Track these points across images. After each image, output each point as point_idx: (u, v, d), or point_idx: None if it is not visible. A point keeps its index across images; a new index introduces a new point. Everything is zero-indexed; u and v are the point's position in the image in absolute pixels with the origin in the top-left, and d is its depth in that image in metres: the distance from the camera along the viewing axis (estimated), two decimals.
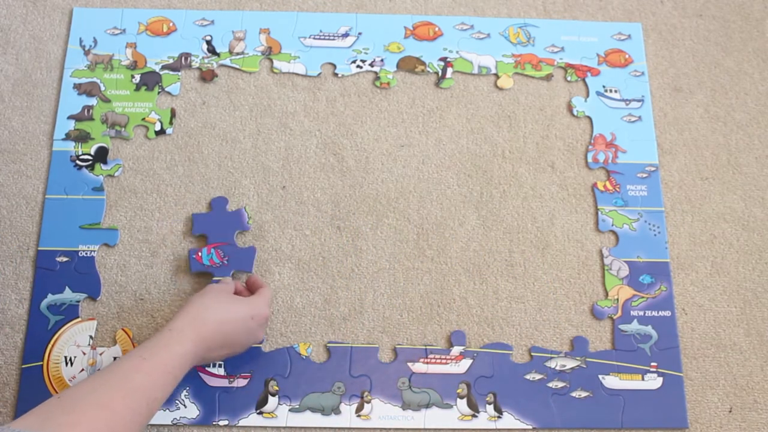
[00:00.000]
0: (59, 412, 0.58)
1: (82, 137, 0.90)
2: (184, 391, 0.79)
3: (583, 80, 0.95)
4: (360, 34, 0.96)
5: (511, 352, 0.82)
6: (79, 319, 0.82)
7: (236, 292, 0.80)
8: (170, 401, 0.79)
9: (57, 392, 0.77)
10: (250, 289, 0.81)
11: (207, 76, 0.93)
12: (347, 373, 0.81)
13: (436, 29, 0.97)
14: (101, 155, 0.89)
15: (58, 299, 0.82)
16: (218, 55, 0.94)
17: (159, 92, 0.92)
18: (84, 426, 0.57)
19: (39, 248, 0.84)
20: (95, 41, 0.94)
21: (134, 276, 0.84)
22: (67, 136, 0.90)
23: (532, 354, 0.82)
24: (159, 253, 0.85)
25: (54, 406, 0.59)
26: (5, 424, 0.54)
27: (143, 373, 0.64)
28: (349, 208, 0.88)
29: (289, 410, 0.79)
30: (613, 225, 0.88)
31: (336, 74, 0.94)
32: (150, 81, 0.93)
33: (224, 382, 0.80)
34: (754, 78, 0.97)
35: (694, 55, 0.98)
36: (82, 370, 0.80)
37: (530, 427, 0.79)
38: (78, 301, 0.82)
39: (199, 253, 0.84)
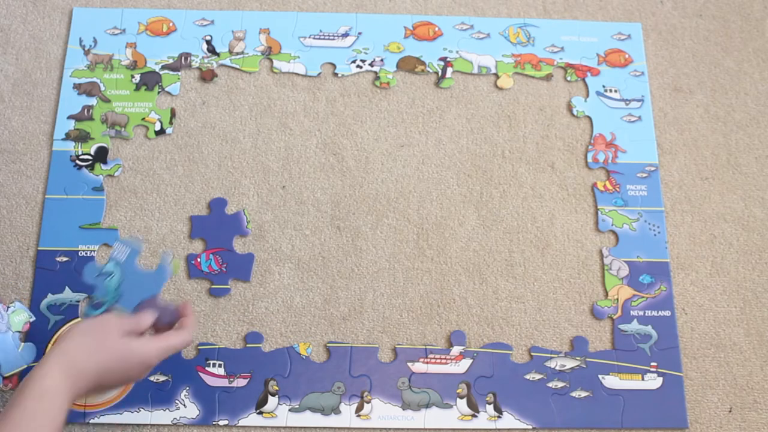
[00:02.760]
0: None
1: (82, 137, 0.90)
2: (184, 390, 0.79)
3: (583, 80, 0.95)
4: (360, 34, 0.96)
5: (511, 352, 0.82)
6: (79, 319, 0.82)
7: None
8: (170, 401, 0.79)
9: None
10: (181, 314, 0.72)
11: (207, 76, 0.93)
12: (347, 373, 0.81)
13: (436, 29, 0.97)
14: (101, 155, 0.89)
15: (58, 299, 0.82)
16: (218, 55, 0.94)
17: (159, 92, 0.92)
18: None
19: (39, 248, 0.84)
20: (95, 41, 0.94)
21: None
22: (67, 136, 0.90)
23: (532, 354, 0.82)
24: (159, 253, 0.85)
25: None
26: None
27: None
28: (349, 208, 0.88)
29: (289, 410, 0.79)
30: (612, 225, 0.88)
31: (336, 74, 0.94)
32: (150, 81, 0.93)
33: (224, 382, 0.80)
34: (754, 78, 0.97)
35: (694, 55, 0.98)
36: None
37: (530, 427, 0.79)
38: (78, 301, 0.82)
39: (198, 260, 0.84)
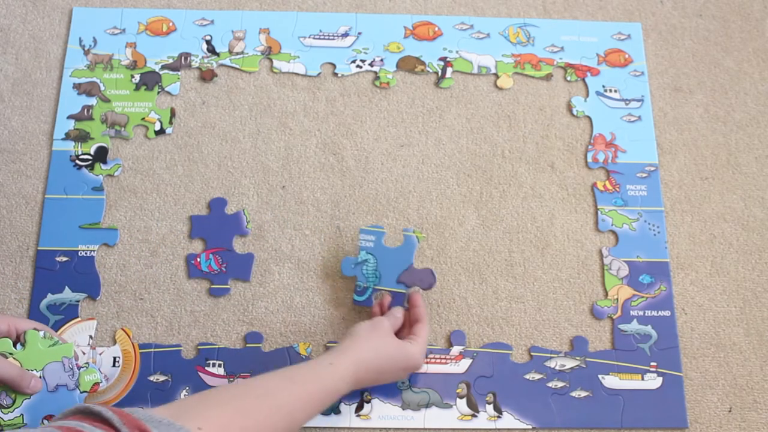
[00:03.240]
0: (198, 406, 0.59)
1: (81, 137, 0.90)
2: (184, 390, 0.79)
3: (583, 80, 0.95)
4: (360, 33, 0.96)
5: (510, 351, 0.82)
6: (79, 319, 0.82)
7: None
8: (170, 401, 0.79)
9: None
10: (411, 313, 0.79)
11: (207, 76, 0.93)
12: None
13: (436, 29, 0.97)
14: (101, 155, 0.89)
15: (57, 299, 0.82)
16: (218, 54, 0.94)
17: (159, 92, 0.92)
18: (217, 424, 0.57)
19: (39, 248, 0.84)
20: (95, 41, 0.94)
21: (134, 276, 0.84)
22: (67, 136, 0.90)
23: (532, 354, 0.82)
24: (159, 253, 0.85)
25: (193, 400, 0.61)
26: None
27: (289, 393, 0.65)
28: (349, 208, 0.88)
29: None
30: (612, 225, 0.88)
31: (336, 74, 0.94)
32: (150, 81, 0.93)
33: (224, 382, 0.80)
34: (754, 78, 0.97)
35: (694, 55, 0.98)
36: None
37: (530, 426, 0.79)
38: (77, 301, 0.82)
39: (198, 259, 0.84)
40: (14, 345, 0.74)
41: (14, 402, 0.72)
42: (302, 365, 0.69)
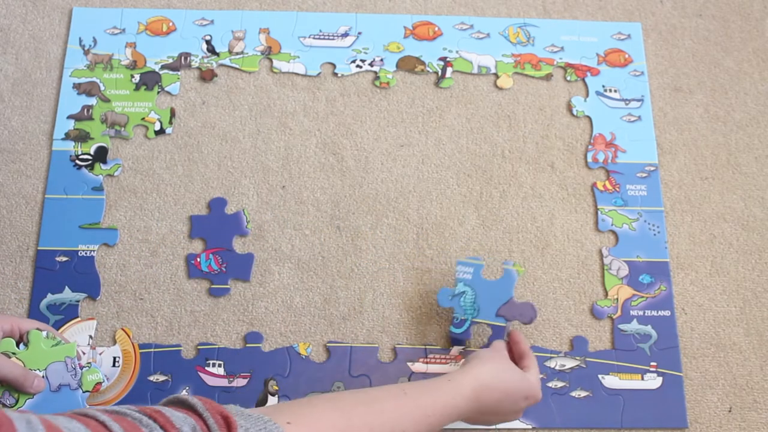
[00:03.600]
0: (293, 404, 0.58)
1: (81, 137, 0.90)
2: (184, 390, 0.79)
3: (583, 80, 0.95)
4: (360, 33, 0.96)
5: None
6: (79, 319, 0.82)
7: None
8: None
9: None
10: (512, 347, 0.77)
11: (207, 76, 0.93)
12: (347, 373, 0.81)
13: (436, 29, 0.97)
14: (101, 155, 0.89)
15: (57, 299, 0.82)
16: (218, 54, 0.94)
17: (159, 92, 0.92)
18: (309, 419, 0.55)
19: (38, 248, 0.84)
20: (95, 41, 0.94)
21: (134, 276, 0.84)
22: (67, 136, 0.90)
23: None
24: (159, 252, 0.85)
25: (293, 402, 0.60)
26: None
27: (397, 403, 0.61)
28: (349, 208, 0.88)
29: None
30: (612, 225, 0.88)
31: (336, 74, 0.94)
32: (150, 81, 0.93)
33: (224, 382, 0.80)
34: (754, 78, 0.97)
35: (694, 55, 0.98)
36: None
37: (530, 426, 0.79)
38: (77, 301, 0.82)
39: (198, 259, 0.84)
40: (17, 345, 0.74)
41: (17, 401, 0.72)
42: (418, 381, 0.65)
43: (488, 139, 0.92)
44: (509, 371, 0.70)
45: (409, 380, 0.80)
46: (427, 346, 0.82)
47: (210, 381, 0.80)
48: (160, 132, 0.91)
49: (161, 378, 0.80)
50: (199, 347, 0.81)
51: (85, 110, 0.91)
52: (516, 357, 0.76)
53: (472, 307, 0.79)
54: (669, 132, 0.93)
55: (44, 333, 0.74)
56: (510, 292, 0.79)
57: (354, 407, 0.58)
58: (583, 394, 0.81)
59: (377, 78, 0.94)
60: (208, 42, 0.95)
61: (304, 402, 0.59)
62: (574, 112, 0.94)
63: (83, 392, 0.75)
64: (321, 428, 0.54)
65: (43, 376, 0.73)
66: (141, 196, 0.88)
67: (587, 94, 0.95)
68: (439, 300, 0.80)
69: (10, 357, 0.72)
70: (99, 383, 0.76)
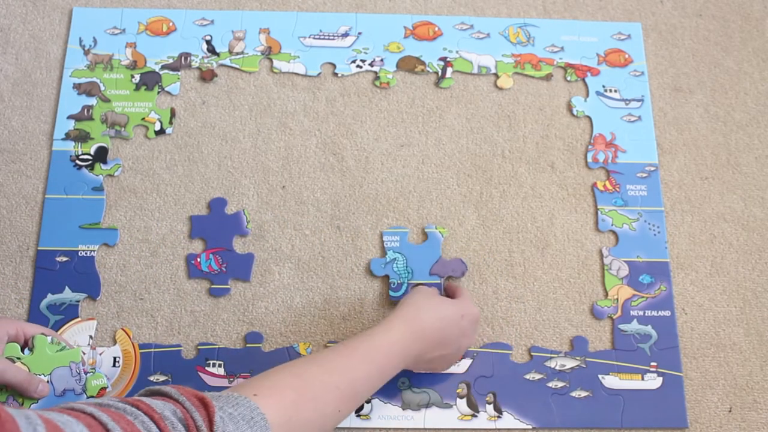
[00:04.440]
0: (254, 378, 0.62)
1: (81, 137, 0.90)
2: None
3: (583, 80, 0.95)
4: (360, 33, 0.96)
5: (510, 351, 0.82)
6: (79, 319, 0.82)
7: None
8: None
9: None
10: (450, 295, 0.81)
11: (207, 76, 0.93)
12: None
13: (436, 29, 0.97)
14: (101, 155, 0.89)
15: (57, 299, 0.82)
16: (218, 54, 0.94)
17: (159, 92, 0.92)
18: (272, 388, 0.59)
19: (39, 248, 0.84)
20: (95, 41, 0.94)
21: (134, 276, 0.84)
22: (67, 136, 0.90)
23: (532, 354, 0.82)
24: (159, 253, 0.85)
25: (256, 376, 0.63)
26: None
27: (345, 358, 0.66)
28: (349, 208, 0.88)
29: None
30: (612, 225, 0.88)
31: (336, 74, 0.94)
32: (150, 81, 0.93)
33: (224, 382, 0.80)
34: (754, 78, 0.97)
35: (694, 55, 0.98)
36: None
37: (530, 426, 0.79)
38: (78, 301, 0.82)
39: (198, 259, 0.84)
40: (22, 350, 0.74)
41: (22, 406, 0.72)
42: (359, 336, 0.69)
43: (488, 139, 0.92)
44: (436, 298, 0.75)
45: (409, 380, 0.80)
46: None
47: (210, 381, 0.80)
48: (161, 132, 0.91)
49: (161, 378, 0.80)
50: (199, 347, 0.81)
51: (86, 110, 0.91)
52: (449, 296, 0.80)
53: (405, 270, 0.84)
54: (669, 132, 0.93)
55: (49, 338, 0.75)
56: (438, 252, 0.85)
57: (308, 369, 0.63)
58: (583, 394, 0.81)
59: (377, 78, 0.94)
60: (208, 42, 0.95)
61: (265, 374, 0.63)
62: (574, 112, 0.94)
63: (87, 397, 0.75)
64: (282, 393, 0.59)
65: (47, 381, 0.73)
66: (141, 196, 0.88)
67: (587, 94, 0.95)
68: (373, 269, 0.84)
69: (14, 362, 0.72)
70: (104, 388, 0.76)
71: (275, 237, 0.86)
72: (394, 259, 0.84)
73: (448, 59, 0.95)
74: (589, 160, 0.91)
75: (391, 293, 0.83)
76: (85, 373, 0.75)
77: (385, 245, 0.85)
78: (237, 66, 0.94)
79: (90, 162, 0.89)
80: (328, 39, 0.96)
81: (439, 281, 0.84)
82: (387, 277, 0.84)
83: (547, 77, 0.95)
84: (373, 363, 0.67)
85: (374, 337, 0.68)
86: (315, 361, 0.65)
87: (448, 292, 0.82)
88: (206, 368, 0.80)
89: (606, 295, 0.85)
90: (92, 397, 0.75)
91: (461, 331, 0.74)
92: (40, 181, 0.88)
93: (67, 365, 0.74)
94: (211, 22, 0.96)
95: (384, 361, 0.68)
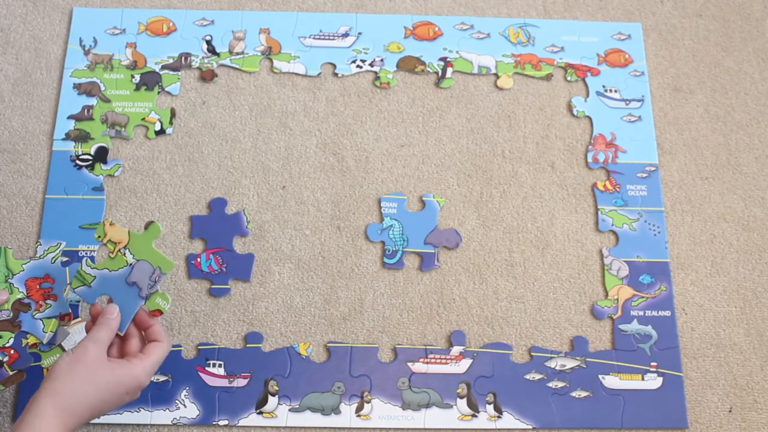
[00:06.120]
0: None
1: (82, 137, 0.90)
2: (184, 391, 0.79)
3: (583, 80, 0.95)
4: (360, 34, 0.96)
5: (511, 352, 0.82)
6: (79, 319, 0.82)
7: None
8: (170, 401, 0.79)
9: None
10: (147, 332, 0.72)
11: (207, 76, 0.93)
12: (347, 373, 0.81)
13: (436, 29, 0.97)
14: (101, 155, 0.89)
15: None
16: (218, 55, 0.94)
17: (159, 92, 0.92)
18: None
19: None
20: (95, 41, 0.94)
21: None
22: (67, 136, 0.90)
23: (532, 354, 0.82)
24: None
25: None
26: None
27: None
28: (349, 208, 0.88)
29: (289, 410, 0.79)
30: (613, 225, 0.88)
31: (336, 74, 0.94)
32: (150, 81, 0.93)
33: (224, 382, 0.80)
34: (754, 78, 0.97)
35: (694, 55, 0.98)
36: None
37: (530, 426, 0.79)
38: (78, 301, 0.82)
39: (198, 260, 0.84)
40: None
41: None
42: None
43: (488, 139, 0.92)
44: (97, 376, 0.65)
45: (409, 380, 0.80)
46: (427, 346, 0.82)
47: (210, 381, 0.80)
48: (161, 132, 0.91)
49: (161, 378, 0.80)
50: (199, 347, 0.81)
51: (86, 110, 0.91)
52: (148, 339, 0.71)
53: (401, 237, 0.85)
54: (669, 132, 0.93)
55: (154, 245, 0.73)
56: (434, 221, 0.86)
57: None
58: (584, 394, 0.81)
59: (377, 78, 0.94)
60: (208, 42, 0.95)
61: None
62: (575, 112, 0.94)
63: (144, 304, 0.72)
64: None
65: (130, 264, 0.72)
66: (141, 196, 0.88)
67: (587, 94, 0.95)
68: (369, 235, 0.86)
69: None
70: (160, 311, 0.73)
71: (275, 237, 0.86)
72: (391, 225, 0.85)
73: (448, 59, 0.95)
74: (590, 160, 0.91)
75: (386, 260, 0.85)
76: (156, 284, 0.72)
77: (382, 211, 0.86)
78: (237, 66, 0.94)
79: (90, 162, 0.89)
80: (328, 39, 0.96)
81: (433, 251, 0.85)
82: (383, 243, 0.85)
83: (548, 77, 0.95)
84: None
85: None
86: None
87: (140, 326, 0.72)
88: (206, 368, 0.80)
89: (606, 295, 0.85)
90: (148, 309, 0.73)
91: (121, 400, 0.67)
92: (40, 181, 0.88)
93: (155, 267, 0.72)
94: (212, 22, 0.96)
95: None
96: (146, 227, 0.74)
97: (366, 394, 0.80)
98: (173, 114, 0.92)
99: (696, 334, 0.84)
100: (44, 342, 0.79)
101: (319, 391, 0.80)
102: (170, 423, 0.78)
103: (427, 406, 0.80)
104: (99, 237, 0.75)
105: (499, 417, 0.79)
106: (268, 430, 0.79)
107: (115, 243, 0.74)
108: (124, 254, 0.73)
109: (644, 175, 0.91)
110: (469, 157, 0.91)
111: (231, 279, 0.84)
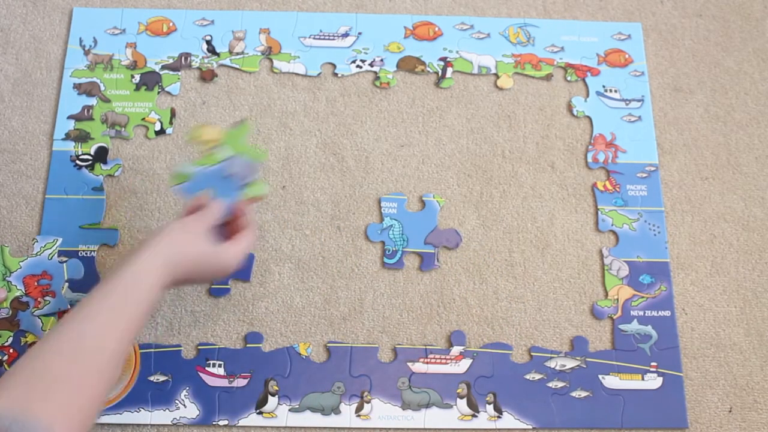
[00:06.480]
0: (36, 389, 0.54)
1: (82, 137, 0.90)
2: (184, 391, 0.79)
3: (583, 80, 0.95)
4: (360, 34, 0.96)
5: (511, 352, 0.82)
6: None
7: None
8: (170, 401, 0.79)
9: None
10: (233, 225, 0.74)
11: (207, 76, 0.93)
12: (347, 373, 0.81)
13: (436, 29, 0.97)
14: (101, 155, 0.89)
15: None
16: (218, 55, 0.94)
17: (159, 92, 0.92)
18: (65, 415, 0.54)
19: None
20: (95, 41, 0.94)
21: None
22: (67, 136, 0.90)
23: (532, 354, 0.82)
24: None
25: (32, 387, 0.55)
26: None
27: (98, 323, 0.59)
28: (349, 208, 0.88)
29: (289, 410, 0.79)
30: (613, 225, 0.88)
31: (336, 74, 0.94)
32: (150, 81, 0.93)
33: (224, 382, 0.80)
34: (754, 78, 0.97)
35: (694, 55, 0.98)
36: None
37: (530, 427, 0.79)
38: (78, 302, 0.82)
39: None
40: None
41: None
42: (107, 290, 0.61)
43: (488, 139, 0.92)
44: (199, 245, 0.68)
45: (409, 380, 0.80)
46: (427, 346, 0.82)
47: (210, 381, 0.80)
48: (161, 132, 0.91)
49: (161, 378, 0.80)
50: (199, 347, 0.81)
51: (86, 110, 0.91)
52: (233, 230, 0.73)
53: (401, 237, 0.85)
54: (669, 132, 0.93)
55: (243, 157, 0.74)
56: (434, 221, 0.86)
57: (90, 373, 0.57)
58: (584, 394, 0.81)
59: (377, 78, 0.94)
60: (208, 42, 0.95)
61: (45, 387, 0.55)
62: (575, 112, 0.94)
63: (243, 194, 0.73)
64: (71, 418, 0.54)
65: (228, 158, 0.73)
66: (141, 196, 0.88)
67: (587, 94, 0.95)
68: (369, 235, 0.86)
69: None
70: (258, 198, 0.74)
71: (275, 237, 0.86)
72: (391, 225, 0.86)
73: (448, 59, 0.95)
74: (590, 160, 0.91)
75: (386, 260, 0.85)
76: (252, 174, 0.74)
77: (382, 211, 0.86)
78: (237, 66, 0.94)
79: (90, 162, 0.89)
80: (328, 39, 0.96)
81: (433, 251, 0.85)
82: (383, 243, 0.85)
83: (548, 77, 0.95)
84: (128, 323, 0.61)
85: (130, 296, 0.62)
86: (91, 361, 0.58)
87: (234, 217, 0.74)
88: (206, 368, 0.80)
89: (606, 295, 0.85)
90: (244, 199, 0.73)
91: (212, 275, 0.71)
92: (40, 181, 0.88)
93: (250, 161, 0.74)
94: (211, 22, 0.96)
95: (141, 314, 0.62)
96: (236, 125, 0.75)
97: (366, 394, 0.80)
98: (173, 114, 0.92)
99: (696, 334, 0.84)
100: None
101: (319, 391, 0.80)
102: (170, 423, 0.78)
103: (427, 406, 0.80)
104: (192, 138, 0.74)
105: (499, 417, 0.79)
106: (268, 430, 0.79)
107: (208, 142, 0.74)
108: (213, 153, 0.74)
109: (644, 175, 0.91)
110: (469, 157, 0.91)
111: (231, 279, 0.84)
